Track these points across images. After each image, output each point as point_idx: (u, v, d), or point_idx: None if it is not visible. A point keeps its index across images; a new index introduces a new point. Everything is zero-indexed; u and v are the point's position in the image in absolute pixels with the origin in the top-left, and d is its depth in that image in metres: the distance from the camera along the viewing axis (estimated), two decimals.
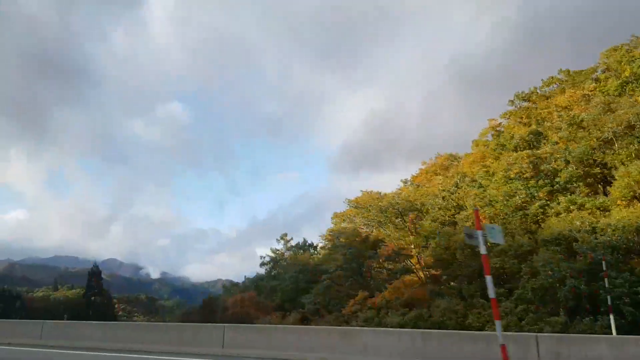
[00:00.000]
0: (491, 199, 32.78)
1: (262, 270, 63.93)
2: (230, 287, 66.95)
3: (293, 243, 64.26)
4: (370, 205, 44.80)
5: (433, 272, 36.01)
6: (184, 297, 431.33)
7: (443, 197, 38.30)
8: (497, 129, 43.41)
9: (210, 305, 55.34)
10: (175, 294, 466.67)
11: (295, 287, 48.83)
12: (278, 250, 63.87)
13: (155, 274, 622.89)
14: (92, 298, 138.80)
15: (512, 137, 38.41)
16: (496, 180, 33.76)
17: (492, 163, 37.20)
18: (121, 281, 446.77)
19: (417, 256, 38.71)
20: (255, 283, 64.66)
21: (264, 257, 63.55)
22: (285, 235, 65.53)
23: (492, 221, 30.22)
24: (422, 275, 36.98)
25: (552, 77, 42.88)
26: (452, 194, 37.79)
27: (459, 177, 39.54)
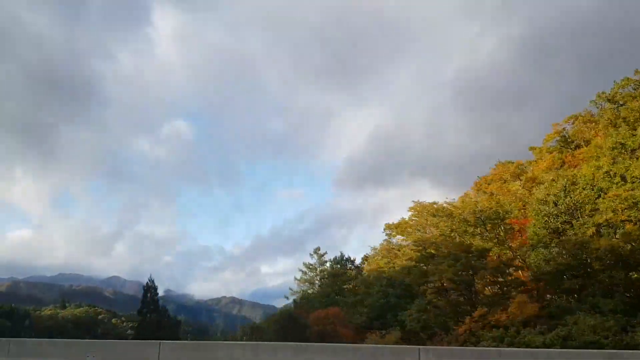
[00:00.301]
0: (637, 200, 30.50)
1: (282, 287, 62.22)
2: (300, 301, 62.11)
3: (326, 257, 63.03)
4: (446, 215, 43.14)
5: (539, 284, 33.59)
6: (189, 314, 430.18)
7: (555, 203, 35.67)
8: (562, 134, 42.34)
9: (287, 321, 49.27)
10: (180, 311, 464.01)
11: (386, 303, 43.69)
12: (312, 264, 62.58)
13: (159, 292, 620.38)
14: (148, 315, 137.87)
15: (633, 135, 35.48)
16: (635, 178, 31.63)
17: (612, 164, 34.78)
18: (126, 299, 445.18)
19: (523, 267, 36.55)
20: (306, 299, 60.46)
21: (302, 272, 62.11)
22: (319, 249, 64.14)
23: None
24: (532, 287, 34.34)
25: (628, 79, 41.11)
26: (565, 197, 35.31)
27: (565, 181, 36.75)
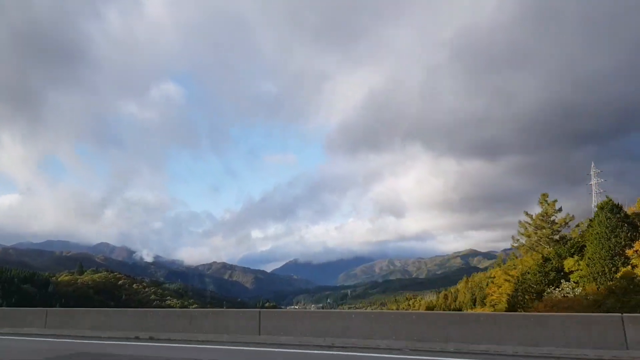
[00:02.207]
0: None
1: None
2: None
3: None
4: None
5: None
6: (180, 280, 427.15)
7: None
8: None
9: None
10: (171, 277, 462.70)
11: None
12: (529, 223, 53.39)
13: (148, 258, 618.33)
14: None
15: None
16: None
17: None
18: (115, 265, 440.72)
19: None
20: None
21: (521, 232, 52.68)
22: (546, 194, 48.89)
23: None
24: None
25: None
26: None
27: None
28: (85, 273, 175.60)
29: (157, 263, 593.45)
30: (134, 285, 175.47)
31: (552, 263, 31.62)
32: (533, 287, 31.36)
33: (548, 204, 34.27)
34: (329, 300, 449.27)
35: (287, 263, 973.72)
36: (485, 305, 50.18)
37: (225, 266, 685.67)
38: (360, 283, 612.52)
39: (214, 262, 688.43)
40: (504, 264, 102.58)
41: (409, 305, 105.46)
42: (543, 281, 31.14)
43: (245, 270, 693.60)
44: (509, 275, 34.23)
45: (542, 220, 34.25)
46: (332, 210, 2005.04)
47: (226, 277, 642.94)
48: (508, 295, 32.29)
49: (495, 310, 35.11)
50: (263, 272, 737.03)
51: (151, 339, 14.61)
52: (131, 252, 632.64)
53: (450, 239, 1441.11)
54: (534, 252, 33.20)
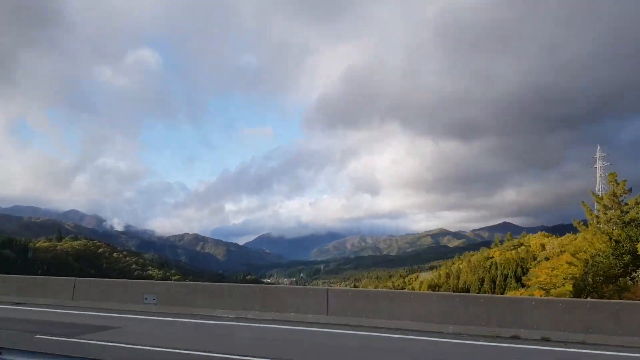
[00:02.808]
0: None
1: None
2: None
3: None
4: None
5: None
6: (152, 250, 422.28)
7: None
8: None
9: None
10: (143, 247, 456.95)
11: None
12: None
13: (119, 227, 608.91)
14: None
15: None
16: None
17: None
18: (86, 233, 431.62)
19: None
20: None
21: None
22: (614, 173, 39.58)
23: None
24: None
25: None
26: None
27: None
28: (64, 240, 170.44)
29: (129, 232, 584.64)
30: (114, 254, 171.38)
31: (624, 246, 30.59)
32: (605, 271, 30.29)
33: (617, 184, 33.08)
34: (302, 275, 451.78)
35: (260, 236, 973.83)
36: (526, 287, 49.33)
37: (197, 238, 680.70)
38: (332, 258, 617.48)
39: (186, 234, 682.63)
40: (501, 244, 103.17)
41: (404, 282, 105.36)
42: (617, 265, 30.09)
43: (217, 243, 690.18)
44: (576, 257, 32.97)
45: (611, 200, 33.06)
46: (308, 186, 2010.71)
47: (198, 248, 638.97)
48: (576, 278, 31.11)
49: (549, 295, 34.10)
50: (235, 244, 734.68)
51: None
52: (101, 221, 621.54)
53: (422, 217, 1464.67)
54: (601, 234, 32.04)
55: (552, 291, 33.87)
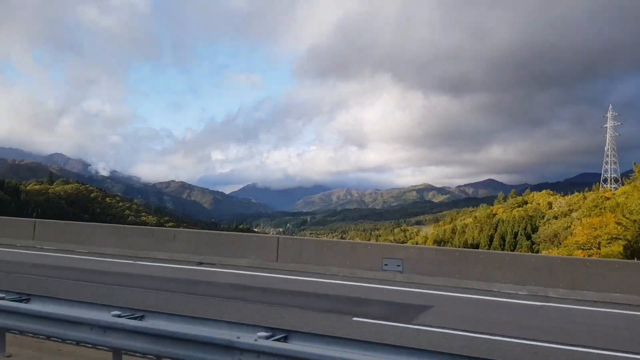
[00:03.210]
0: None
1: None
2: None
3: None
4: None
5: None
6: (138, 196, 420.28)
7: None
8: None
9: None
10: (129, 193, 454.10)
11: None
12: None
13: (104, 172, 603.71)
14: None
15: None
16: None
17: None
18: (71, 177, 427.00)
19: None
20: None
21: None
22: None
23: None
24: None
25: None
26: None
27: None
28: (55, 183, 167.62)
29: (114, 178, 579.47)
30: (107, 199, 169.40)
31: None
32: None
33: None
34: (288, 226, 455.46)
35: (246, 186, 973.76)
36: (560, 247, 49.12)
37: (183, 185, 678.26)
38: (318, 210, 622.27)
39: (172, 181, 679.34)
40: (505, 201, 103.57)
41: (405, 237, 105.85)
42: None
43: (204, 191, 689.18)
44: (626, 219, 32.26)
45: None
46: (295, 137, 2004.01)
47: (184, 196, 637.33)
48: (627, 240, 30.54)
49: (590, 256, 33.64)
50: (222, 193, 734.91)
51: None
52: (86, 165, 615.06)
53: (408, 172, 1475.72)
54: None
55: (596, 251, 33.46)
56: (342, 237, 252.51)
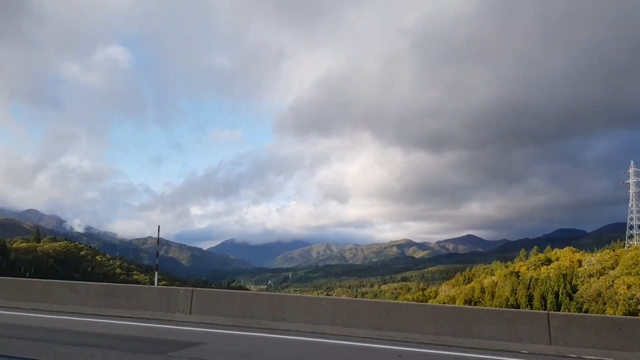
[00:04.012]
0: None
1: None
2: None
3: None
4: None
5: None
6: (115, 253, 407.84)
7: None
8: None
9: None
10: (106, 250, 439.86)
11: None
12: None
13: (79, 228, 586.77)
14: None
15: None
16: None
17: None
18: (45, 233, 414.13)
19: None
20: None
21: None
22: None
23: None
24: None
25: None
26: None
27: None
28: (43, 240, 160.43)
29: (89, 234, 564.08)
30: (97, 257, 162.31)
31: None
32: None
33: None
34: (270, 282, 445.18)
35: (224, 242, 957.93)
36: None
37: (161, 241, 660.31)
38: (298, 266, 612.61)
39: (149, 237, 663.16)
40: (527, 259, 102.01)
41: (424, 296, 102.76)
42: None
43: (182, 247, 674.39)
44: None
45: None
46: (276, 192, 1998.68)
47: (162, 252, 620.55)
48: None
49: None
50: (199, 249, 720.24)
51: None
52: (61, 221, 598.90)
53: (388, 227, 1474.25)
54: None
55: None
56: (327, 294, 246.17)
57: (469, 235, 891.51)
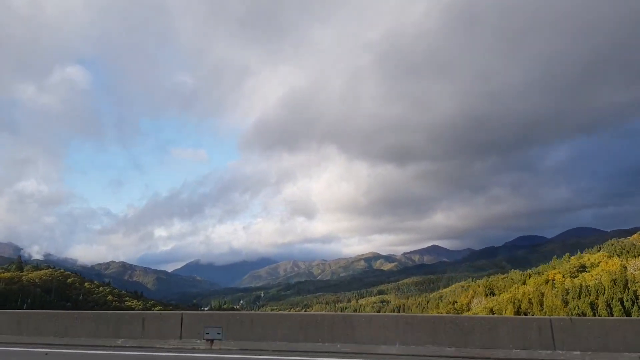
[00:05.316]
0: None
1: None
2: None
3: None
4: None
5: None
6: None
7: None
8: None
9: None
10: None
11: None
12: None
13: (38, 255, 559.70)
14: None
15: None
16: None
17: None
18: (2, 262, 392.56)
19: None
20: None
21: None
22: None
23: None
24: None
25: None
26: None
27: None
28: (25, 269, 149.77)
29: (49, 261, 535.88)
30: (86, 284, 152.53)
31: None
32: None
33: None
34: (242, 302, 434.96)
35: (189, 263, 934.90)
36: None
37: (124, 266, 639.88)
38: (267, 284, 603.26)
39: (112, 262, 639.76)
40: (553, 265, 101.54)
41: (455, 309, 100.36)
42: None
43: (146, 271, 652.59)
44: None
45: None
46: (242, 210, 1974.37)
47: (126, 277, 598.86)
48: None
49: None
50: (164, 272, 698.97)
51: None
52: (18, 249, 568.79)
53: (354, 241, 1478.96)
54: None
55: None
56: (306, 311, 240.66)
57: (434, 246, 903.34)
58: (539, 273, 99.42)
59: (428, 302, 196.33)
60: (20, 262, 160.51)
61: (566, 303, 75.93)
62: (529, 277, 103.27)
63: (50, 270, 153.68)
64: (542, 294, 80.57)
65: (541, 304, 79.34)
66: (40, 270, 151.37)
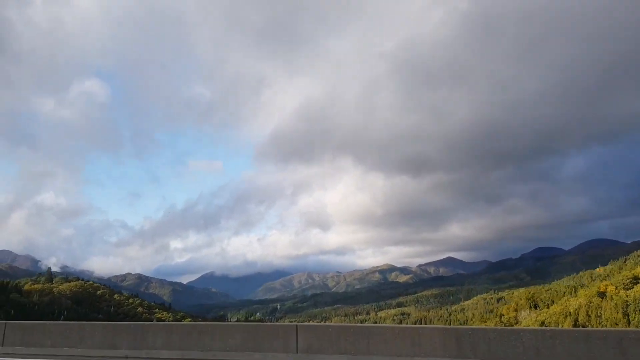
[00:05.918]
0: None
1: None
2: None
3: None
4: None
5: None
6: None
7: None
8: None
9: None
10: None
11: None
12: None
13: (54, 267, 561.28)
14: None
15: None
16: None
17: None
18: (20, 274, 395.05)
19: None
20: None
21: None
22: None
23: None
24: None
25: None
26: None
27: None
28: (55, 281, 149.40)
29: (66, 273, 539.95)
30: (115, 296, 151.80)
31: None
32: None
33: None
34: (259, 314, 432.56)
35: (203, 275, 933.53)
36: None
37: (141, 278, 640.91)
38: (282, 296, 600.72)
39: (128, 274, 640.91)
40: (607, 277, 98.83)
41: (502, 322, 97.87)
42: None
43: (162, 282, 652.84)
44: None
45: None
46: (257, 221, 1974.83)
47: (142, 289, 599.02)
48: None
49: None
50: (180, 284, 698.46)
51: None
52: (36, 261, 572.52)
53: (369, 253, 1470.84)
54: None
55: None
56: (328, 321, 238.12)
57: (449, 258, 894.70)
58: (582, 285, 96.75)
59: (450, 314, 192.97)
60: (50, 274, 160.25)
61: (626, 315, 73.39)
62: (574, 290, 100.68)
63: (81, 282, 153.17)
64: (600, 307, 78.02)
65: (598, 317, 76.81)
66: (70, 282, 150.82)
